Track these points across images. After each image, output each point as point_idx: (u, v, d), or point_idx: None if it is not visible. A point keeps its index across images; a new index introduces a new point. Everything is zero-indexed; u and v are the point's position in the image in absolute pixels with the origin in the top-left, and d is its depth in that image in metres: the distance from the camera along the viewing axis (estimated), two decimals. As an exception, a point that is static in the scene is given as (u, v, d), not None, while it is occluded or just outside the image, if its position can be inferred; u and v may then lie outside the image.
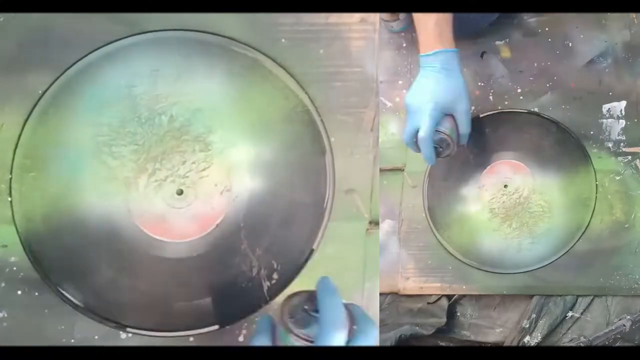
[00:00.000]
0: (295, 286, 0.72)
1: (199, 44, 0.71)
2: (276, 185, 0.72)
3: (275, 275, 0.71)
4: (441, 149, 0.86)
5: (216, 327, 0.70)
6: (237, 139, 0.71)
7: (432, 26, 0.83)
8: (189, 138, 0.70)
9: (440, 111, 0.85)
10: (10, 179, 0.68)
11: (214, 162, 0.71)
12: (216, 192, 0.71)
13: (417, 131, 0.85)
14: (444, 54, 0.84)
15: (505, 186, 0.95)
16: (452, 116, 0.86)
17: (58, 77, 0.69)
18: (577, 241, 0.91)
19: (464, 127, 0.87)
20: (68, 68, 0.69)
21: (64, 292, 0.68)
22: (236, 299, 0.71)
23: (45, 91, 0.68)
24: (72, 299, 0.68)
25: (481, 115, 0.96)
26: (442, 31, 0.84)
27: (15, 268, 0.68)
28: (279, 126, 0.72)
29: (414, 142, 0.87)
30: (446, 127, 0.86)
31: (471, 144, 0.91)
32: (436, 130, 0.85)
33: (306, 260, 0.72)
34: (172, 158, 0.70)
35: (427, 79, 0.85)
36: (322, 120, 0.72)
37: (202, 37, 0.70)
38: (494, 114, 0.97)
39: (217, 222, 0.71)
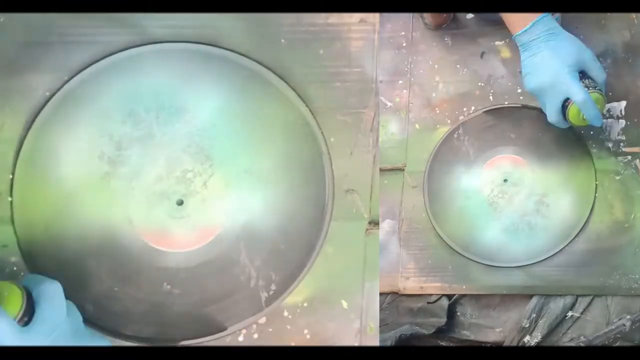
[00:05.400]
0: (292, 297, 0.72)
1: (202, 56, 0.70)
2: (275, 196, 0.72)
3: (273, 287, 0.71)
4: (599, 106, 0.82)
5: (214, 336, 0.71)
6: (238, 150, 0.71)
7: None
8: (190, 149, 0.70)
9: (575, 71, 0.82)
10: (12, 179, 0.68)
11: (214, 173, 0.71)
12: (216, 202, 0.71)
13: (564, 105, 0.83)
14: (542, 21, 0.81)
15: (505, 180, 0.95)
16: (583, 72, 0.83)
17: (60, 88, 0.68)
18: (576, 235, 0.91)
19: (600, 74, 0.84)
20: (70, 78, 0.68)
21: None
22: (234, 309, 0.71)
23: (48, 101, 0.68)
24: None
25: (482, 110, 0.96)
26: None
27: (15, 268, 0.68)
28: (279, 138, 0.72)
29: (562, 118, 0.85)
30: (589, 82, 0.83)
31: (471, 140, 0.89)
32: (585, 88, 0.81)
33: (304, 272, 0.72)
34: (173, 169, 0.70)
35: (540, 51, 0.82)
36: (322, 133, 0.72)
37: (205, 50, 0.70)
38: (494, 108, 0.97)
39: (217, 232, 0.71)
